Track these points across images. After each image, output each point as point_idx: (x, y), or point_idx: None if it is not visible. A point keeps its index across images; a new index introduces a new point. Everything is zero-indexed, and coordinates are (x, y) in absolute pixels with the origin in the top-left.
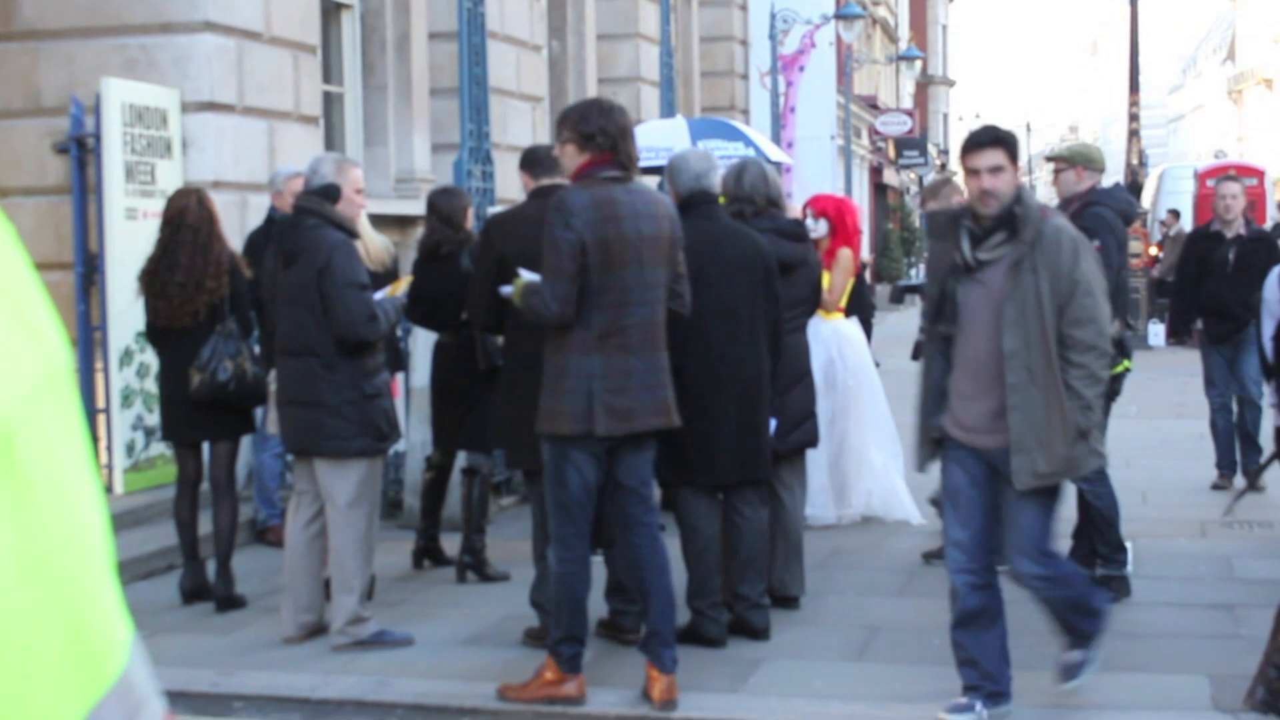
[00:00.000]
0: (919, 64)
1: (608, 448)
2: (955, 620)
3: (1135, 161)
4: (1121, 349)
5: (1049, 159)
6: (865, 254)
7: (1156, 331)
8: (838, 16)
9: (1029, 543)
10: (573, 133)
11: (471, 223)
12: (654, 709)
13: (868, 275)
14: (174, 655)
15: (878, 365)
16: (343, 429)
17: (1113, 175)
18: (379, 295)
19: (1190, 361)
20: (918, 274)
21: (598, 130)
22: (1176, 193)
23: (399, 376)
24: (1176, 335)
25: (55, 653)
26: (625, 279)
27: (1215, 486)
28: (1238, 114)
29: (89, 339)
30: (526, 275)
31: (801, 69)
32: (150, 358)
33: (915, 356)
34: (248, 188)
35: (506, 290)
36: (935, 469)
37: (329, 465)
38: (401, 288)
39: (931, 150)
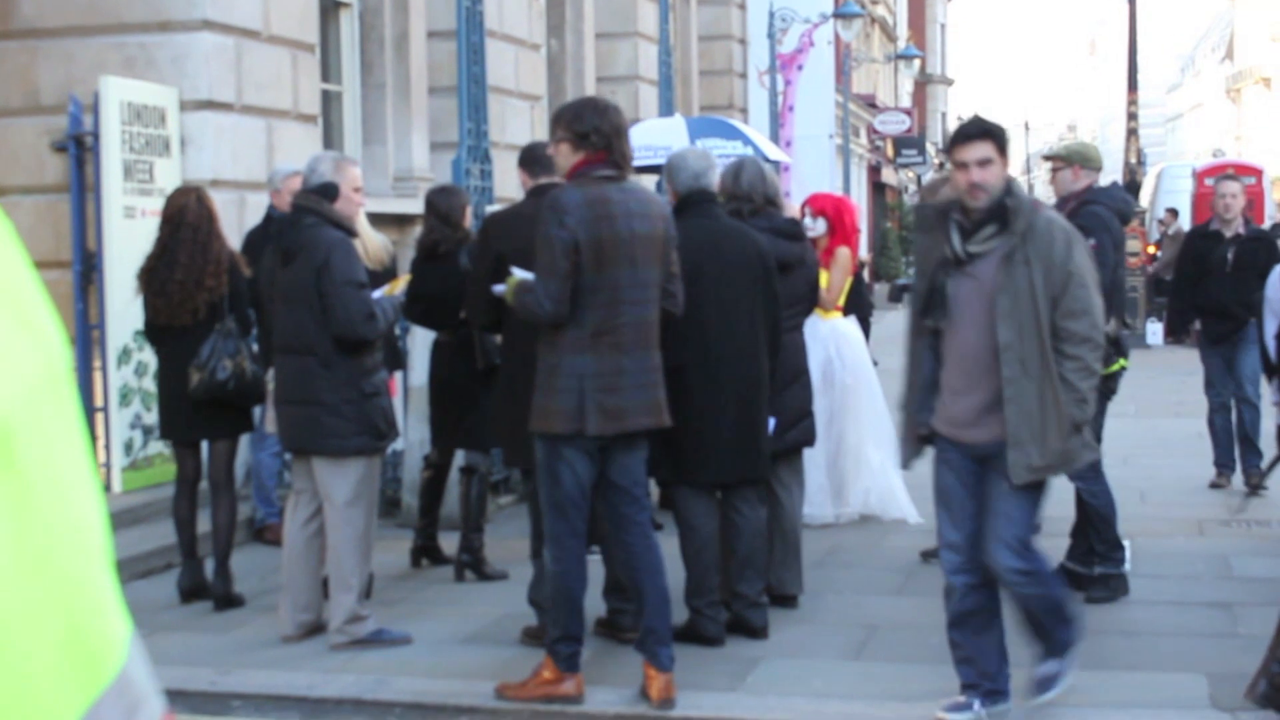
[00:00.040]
0: (917, 63)
1: (600, 446)
2: (951, 620)
3: (1133, 160)
4: (1118, 347)
5: (1046, 158)
6: (863, 253)
7: (1154, 330)
8: (836, 15)
9: (1011, 533)
10: (567, 131)
11: (470, 221)
12: (652, 707)
13: (866, 274)
14: (172, 654)
15: (876, 364)
16: (341, 427)
17: (1111, 174)
18: (377, 294)
19: (1188, 360)
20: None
21: (592, 129)
22: (1175, 192)
23: (397, 375)
24: (1174, 335)
25: (54, 650)
26: (618, 278)
27: (1213, 485)
28: (1236, 113)
29: (87, 337)
30: (519, 273)
31: (800, 68)
32: (149, 356)
33: None
34: (246, 186)
35: (499, 288)
36: (920, 465)
37: (327, 464)
38: (400, 286)
39: (930, 149)
